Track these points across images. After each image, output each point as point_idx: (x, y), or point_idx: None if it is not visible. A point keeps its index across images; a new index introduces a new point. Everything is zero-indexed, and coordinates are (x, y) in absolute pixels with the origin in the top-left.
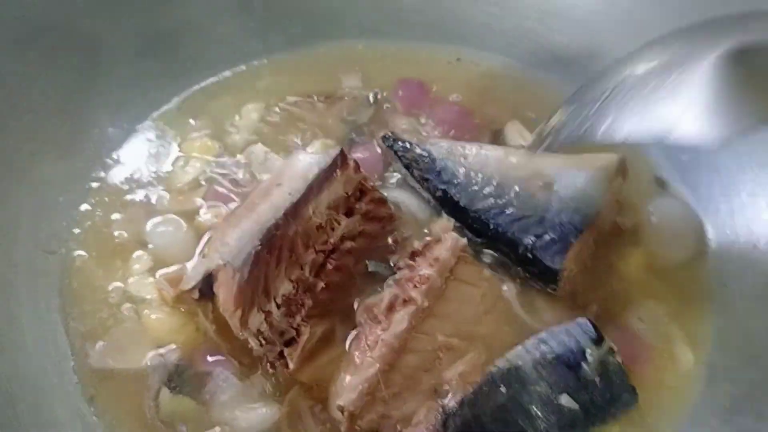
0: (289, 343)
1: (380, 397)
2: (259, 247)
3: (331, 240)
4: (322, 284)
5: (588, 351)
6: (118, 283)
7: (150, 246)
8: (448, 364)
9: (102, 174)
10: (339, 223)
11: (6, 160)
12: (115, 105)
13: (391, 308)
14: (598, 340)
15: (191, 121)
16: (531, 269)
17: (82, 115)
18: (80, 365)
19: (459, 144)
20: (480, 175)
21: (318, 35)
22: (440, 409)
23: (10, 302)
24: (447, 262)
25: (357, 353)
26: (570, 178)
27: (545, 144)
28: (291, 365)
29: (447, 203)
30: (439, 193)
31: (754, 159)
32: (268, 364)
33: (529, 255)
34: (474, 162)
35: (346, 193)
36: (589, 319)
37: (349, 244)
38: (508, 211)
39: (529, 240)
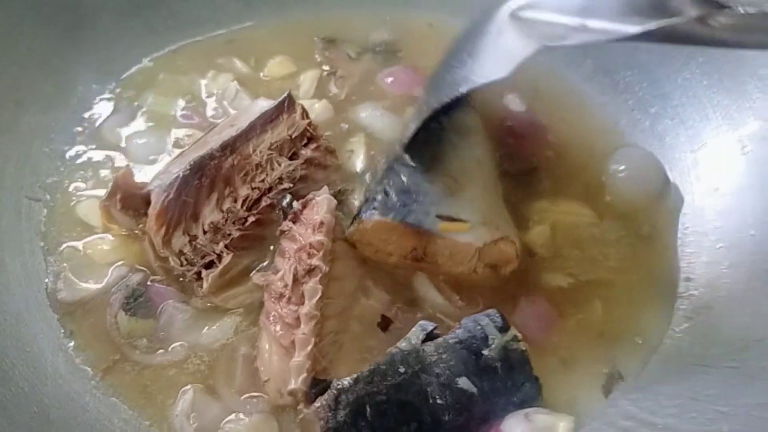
0: (209, 266)
1: (321, 368)
2: (188, 171)
3: (269, 179)
4: (252, 218)
5: (492, 338)
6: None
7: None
8: (357, 321)
9: (85, 126)
10: (279, 164)
11: None
12: (97, 61)
13: (296, 281)
14: (504, 328)
15: (171, 76)
16: None
17: (67, 69)
18: (54, 302)
19: None
20: None
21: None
22: (333, 388)
23: None
24: (330, 223)
25: (280, 333)
26: None
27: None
28: (205, 285)
29: None
30: None
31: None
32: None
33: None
34: None
35: (290, 136)
36: (498, 311)
37: (287, 185)
38: None
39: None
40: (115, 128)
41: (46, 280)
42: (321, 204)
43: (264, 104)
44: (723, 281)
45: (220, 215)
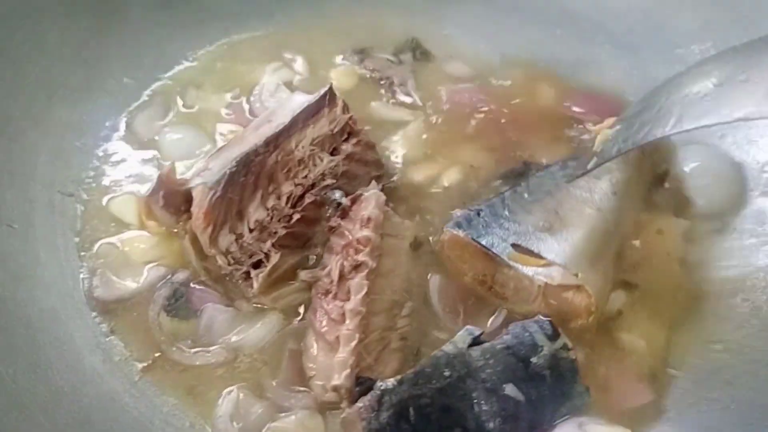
0: (257, 265)
1: (366, 365)
2: (234, 168)
3: (311, 175)
4: (297, 216)
5: (541, 346)
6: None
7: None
8: (402, 318)
9: (116, 120)
10: (321, 160)
11: (24, 103)
12: (128, 55)
13: (342, 277)
14: (553, 336)
15: (205, 71)
16: None
17: (98, 62)
18: (91, 300)
19: None
20: None
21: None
22: (376, 389)
23: (29, 238)
24: (378, 219)
25: (325, 329)
26: None
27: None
28: (255, 285)
29: None
30: None
31: None
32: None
33: None
34: None
35: (332, 131)
36: (548, 318)
37: (329, 181)
38: None
39: None
40: (148, 123)
41: (82, 277)
42: (369, 200)
43: (302, 99)
44: None
45: (265, 213)
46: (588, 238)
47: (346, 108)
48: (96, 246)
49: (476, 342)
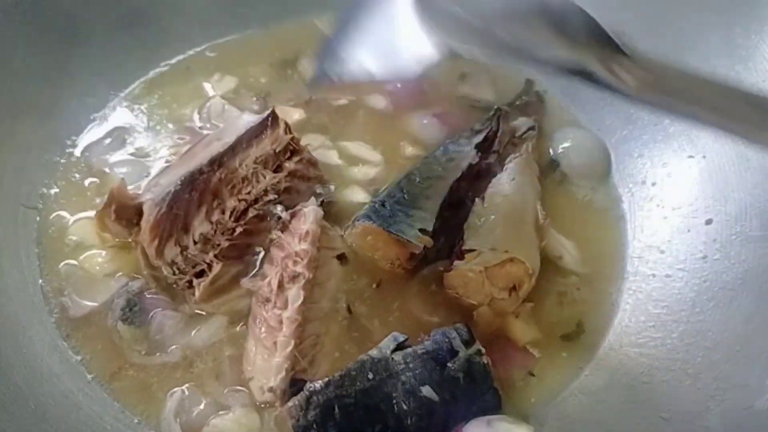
0: (200, 275)
1: (300, 368)
2: (179, 187)
3: (254, 191)
4: (240, 229)
5: (457, 351)
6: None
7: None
8: (334, 324)
9: (79, 138)
10: (264, 177)
11: None
12: (90, 76)
13: (281, 286)
14: (469, 342)
15: (160, 92)
16: None
17: (62, 84)
18: (57, 313)
19: None
20: None
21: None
22: (305, 390)
23: None
24: (316, 233)
25: (264, 335)
26: None
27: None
28: (196, 294)
29: None
30: None
31: None
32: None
33: None
34: None
35: (274, 151)
36: (466, 325)
37: (272, 196)
38: None
39: None
40: (106, 140)
41: (42, 286)
42: (308, 214)
43: (249, 119)
44: None
45: (209, 226)
46: (504, 223)
47: (288, 129)
48: (59, 265)
49: (400, 347)
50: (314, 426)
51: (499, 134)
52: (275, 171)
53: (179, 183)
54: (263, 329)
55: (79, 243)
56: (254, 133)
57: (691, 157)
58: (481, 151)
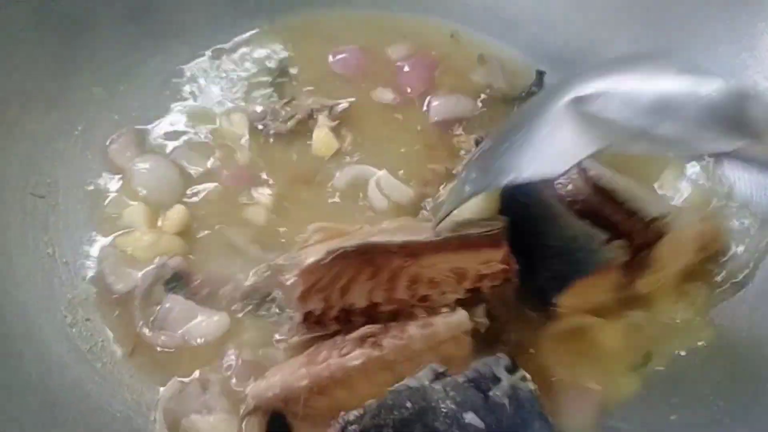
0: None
1: (292, 410)
2: (354, 248)
3: (432, 298)
4: (382, 325)
5: (499, 377)
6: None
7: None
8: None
9: (87, 128)
10: (451, 292)
11: None
12: (96, 66)
13: (361, 341)
14: (513, 369)
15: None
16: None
17: (68, 74)
18: (67, 296)
19: None
20: None
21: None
22: (340, 419)
23: (1, 237)
24: (438, 335)
25: (305, 357)
26: None
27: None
28: (292, 338)
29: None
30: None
31: None
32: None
33: (538, 283)
34: None
35: (478, 272)
36: (507, 354)
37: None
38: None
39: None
40: (114, 130)
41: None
42: (453, 316)
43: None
44: None
45: (365, 303)
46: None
47: (508, 260)
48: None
49: (438, 377)
50: None
51: None
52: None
53: (356, 246)
54: (313, 353)
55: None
56: (470, 243)
57: None
58: None
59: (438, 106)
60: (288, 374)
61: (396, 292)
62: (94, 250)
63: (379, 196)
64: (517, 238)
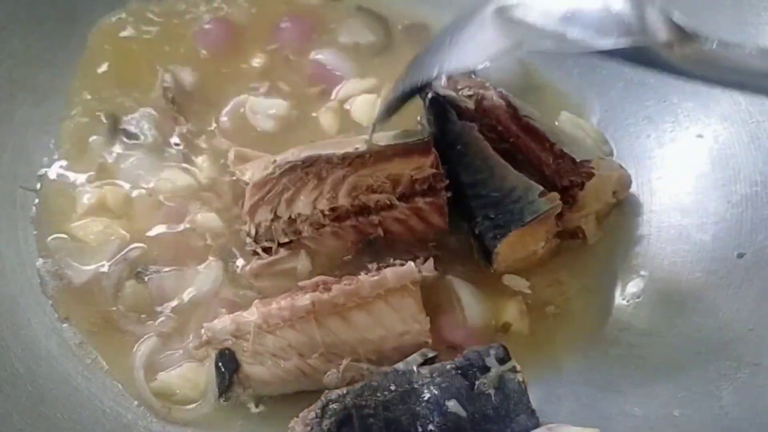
0: (266, 250)
1: (241, 346)
2: (300, 162)
3: (370, 203)
4: (328, 230)
5: (489, 367)
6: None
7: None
8: (326, 362)
9: (78, 119)
10: (388, 202)
11: None
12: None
13: (314, 288)
14: (504, 360)
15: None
16: (478, 242)
17: (60, 64)
18: (54, 290)
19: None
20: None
21: None
22: (323, 397)
23: None
24: (386, 282)
25: (259, 300)
26: None
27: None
28: (249, 268)
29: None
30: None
31: None
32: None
33: (476, 231)
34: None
35: (411, 177)
36: (503, 345)
37: (378, 218)
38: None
39: (479, 218)
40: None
41: (41, 267)
42: (401, 268)
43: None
44: None
45: (309, 210)
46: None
47: (437, 164)
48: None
49: (428, 362)
50: None
51: None
52: (400, 199)
53: (303, 160)
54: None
55: (76, 212)
56: (402, 151)
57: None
58: None
59: None
60: (239, 312)
61: (338, 200)
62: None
63: (259, 117)
64: (454, 185)
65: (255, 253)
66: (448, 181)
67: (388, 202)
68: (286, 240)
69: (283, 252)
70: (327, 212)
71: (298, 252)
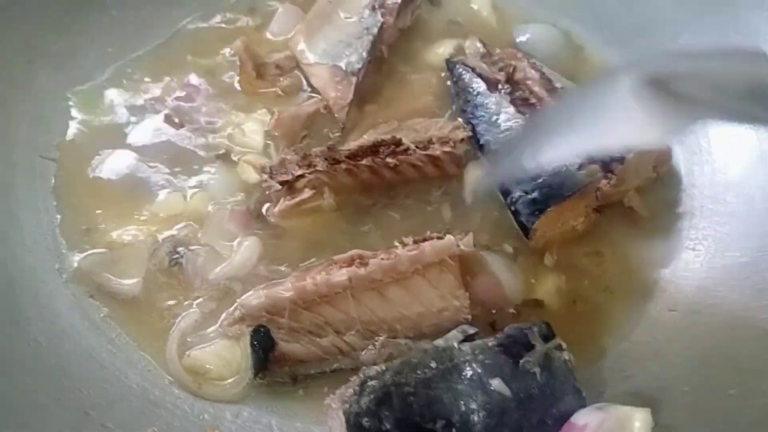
0: (283, 184)
1: (277, 323)
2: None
3: (387, 144)
4: (343, 166)
5: (533, 344)
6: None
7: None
8: (363, 339)
9: (97, 86)
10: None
11: (5, 68)
12: (113, 27)
13: (350, 262)
14: (549, 337)
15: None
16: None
17: (81, 32)
18: (75, 268)
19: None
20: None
21: None
22: (360, 374)
23: (10, 200)
24: (424, 257)
25: (295, 276)
26: None
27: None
28: (277, 209)
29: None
30: (469, 127)
31: None
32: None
33: (512, 207)
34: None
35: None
36: (546, 322)
37: (394, 161)
38: None
39: (516, 194)
40: (126, 91)
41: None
42: (441, 241)
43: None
44: None
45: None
46: None
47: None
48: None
49: (468, 339)
50: (368, 413)
51: None
52: (420, 148)
53: (367, 55)
54: (304, 273)
55: (99, 183)
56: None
57: None
58: None
59: None
60: (272, 287)
61: (363, 141)
62: None
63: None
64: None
65: (273, 189)
66: (470, 133)
67: (405, 146)
68: (299, 173)
69: (307, 192)
70: (350, 150)
71: (322, 191)
